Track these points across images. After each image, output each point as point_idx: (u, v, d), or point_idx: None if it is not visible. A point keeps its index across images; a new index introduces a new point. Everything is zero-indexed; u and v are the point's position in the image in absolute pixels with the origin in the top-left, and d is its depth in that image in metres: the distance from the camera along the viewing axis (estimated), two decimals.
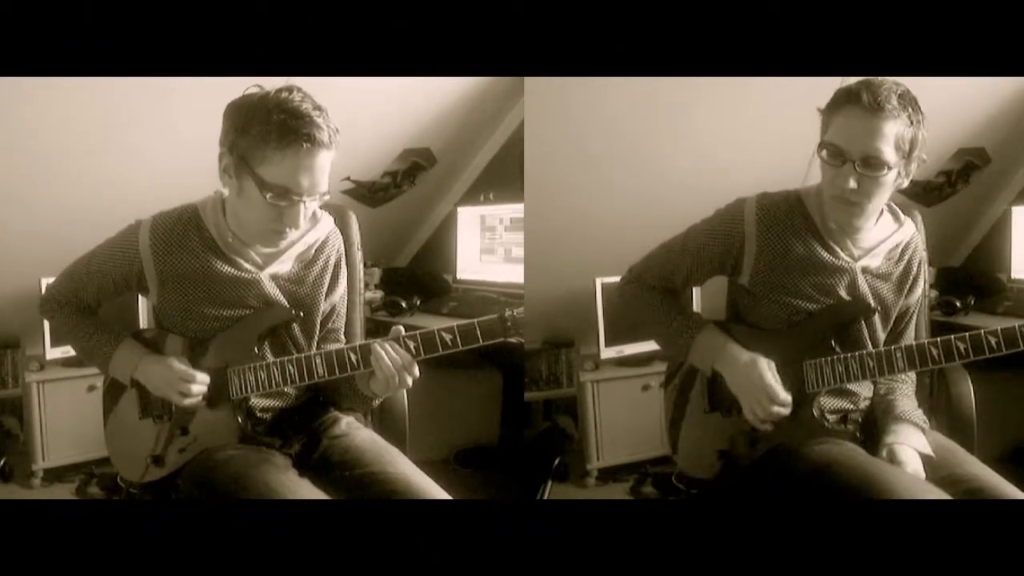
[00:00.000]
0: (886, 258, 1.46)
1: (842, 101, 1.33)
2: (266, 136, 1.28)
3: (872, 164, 1.31)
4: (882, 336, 1.47)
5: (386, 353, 1.34)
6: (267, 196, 1.31)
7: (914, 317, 1.53)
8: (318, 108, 1.30)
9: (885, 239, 1.45)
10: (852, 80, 1.37)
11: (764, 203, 1.44)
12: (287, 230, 1.37)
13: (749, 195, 1.46)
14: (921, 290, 1.52)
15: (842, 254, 1.42)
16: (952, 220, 3.00)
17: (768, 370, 1.40)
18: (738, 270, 1.46)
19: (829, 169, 1.35)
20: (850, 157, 1.32)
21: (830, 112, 1.35)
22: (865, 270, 1.44)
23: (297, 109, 1.28)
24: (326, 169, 1.32)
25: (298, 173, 1.30)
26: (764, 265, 1.43)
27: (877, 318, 1.45)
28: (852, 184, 1.32)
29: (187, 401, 1.39)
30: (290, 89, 1.31)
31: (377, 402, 1.49)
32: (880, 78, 1.33)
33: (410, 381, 1.36)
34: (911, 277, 1.49)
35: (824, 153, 1.34)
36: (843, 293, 1.42)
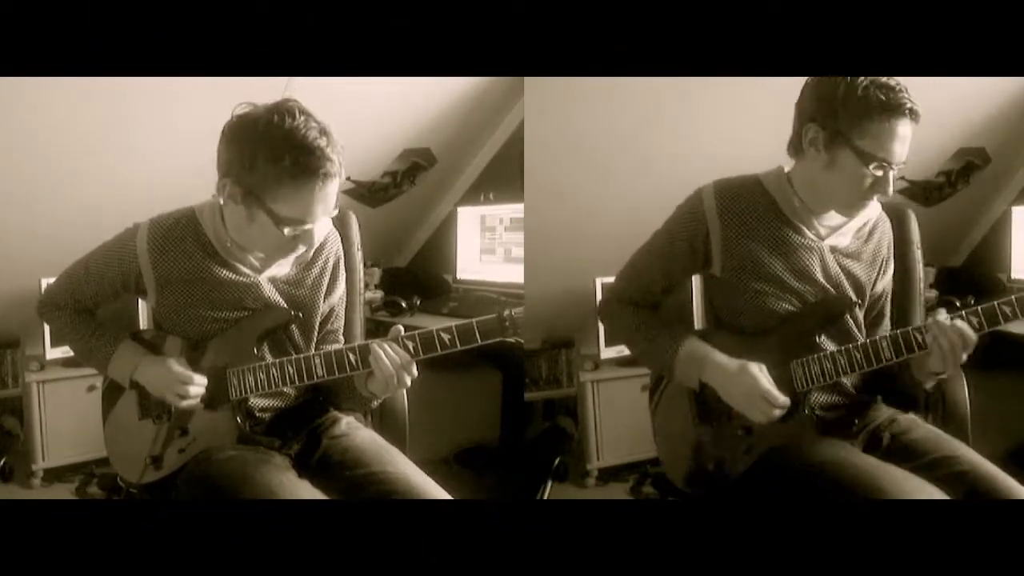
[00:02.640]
0: (855, 236, 1.46)
1: (880, 109, 1.30)
2: (279, 176, 1.27)
3: (901, 165, 1.34)
4: (860, 317, 1.47)
5: (385, 353, 1.34)
6: (284, 230, 1.31)
7: (888, 300, 1.53)
8: (323, 133, 1.27)
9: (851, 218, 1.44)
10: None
11: (722, 188, 1.44)
12: (301, 248, 1.38)
13: (705, 183, 1.46)
14: (891, 274, 1.52)
15: (808, 233, 1.42)
16: (952, 220, 3.01)
17: (761, 374, 1.39)
18: (708, 261, 1.45)
19: (865, 175, 1.33)
20: (893, 164, 1.33)
21: (858, 117, 1.31)
22: (834, 249, 1.44)
23: (306, 142, 1.25)
24: (336, 192, 1.32)
25: (312, 205, 1.30)
26: (733, 249, 1.42)
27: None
28: (892, 190, 1.34)
29: (184, 403, 1.39)
30: (291, 112, 1.27)
31: (376, 403, 1.49)
32: (890, 79, 1.32)
33: (408, 381, 1.36)
34: (882, 257, 1.49)
35: (867, 163, 1.32)
36: (816, 274, 1.42)
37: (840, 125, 1.33)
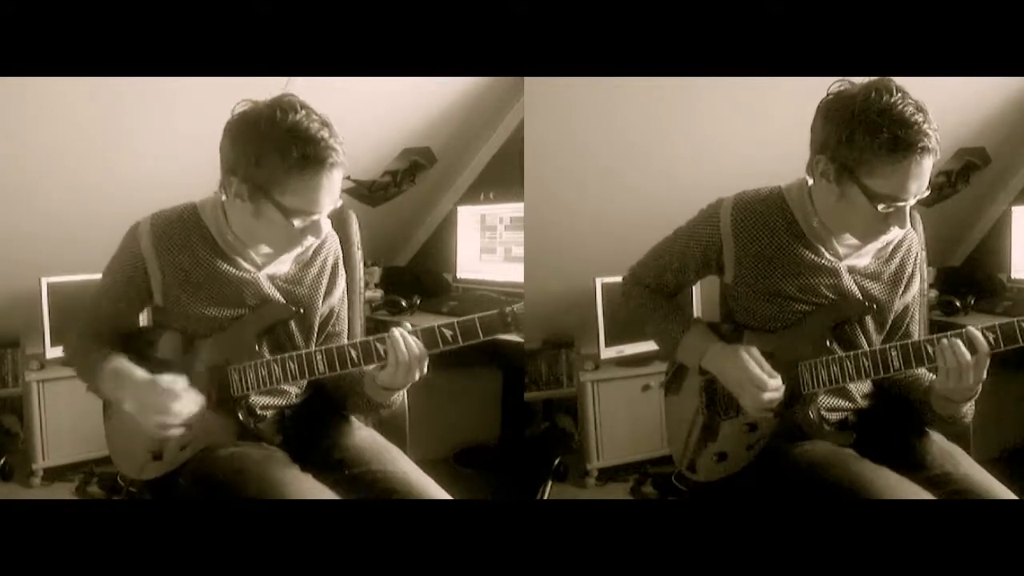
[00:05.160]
0: (875, 257, 1.43)
1: (890, 150, 1.22)
2: (287, 169, 1.28)
3: (922, 196, 1.29)
4: (876, 337, 1.45)
5: (404, 340, 1.33)
6: (294, 222, 1.32)
7: (915, 316, 1.51)
8: (325, 124, 1.29)
9: None
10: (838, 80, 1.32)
11: (741, 203, 1.42)
12: (310, 239, 1.39)
13: (727, 195, 1.45)
14: (918, 289, 1.50)
15: (826, 253, 1.40)
16: (952, 220, 3.01)
17: (751, 359, 1.38)
18: (721, 270, 1.46)
19: (875, 211, 1.28)
20: (908, 199, 1.28)
21: (868, 159, 1.24)
22: (851, 269, 1.41)
23: (309, 134, 1.27)
24: (340, 182, 1.34)
25: (320, 194, 1.31)
26: (745, 265, 1.42)
27: (870, 318, 1.43)
28: (908, 222, 1.31)
29: (164, 434, 1.34)
30: (293, 107, 1.29)
31: (385, 412, 1.48)
32: (905, 107, 1.23)
33: (418, 375, 1.35)
34: (905, 276, 1.45)
35: (876, 203, 1.27)
36: (828, 292, 1.40)
37: (848, 163, 1.27)
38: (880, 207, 1.28)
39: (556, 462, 2.66)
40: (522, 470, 2.62)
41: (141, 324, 1.58)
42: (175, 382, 1.34)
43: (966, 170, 2.82)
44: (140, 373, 1.37)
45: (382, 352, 1.35)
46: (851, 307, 1.41)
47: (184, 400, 1.33)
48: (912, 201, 1.29)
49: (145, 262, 1.41)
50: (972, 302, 2.57)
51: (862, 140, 1.24)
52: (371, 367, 1.38)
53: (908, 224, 1.32)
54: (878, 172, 1.26)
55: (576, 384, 2.71)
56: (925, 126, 1.23)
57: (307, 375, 1.40)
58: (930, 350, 1.31)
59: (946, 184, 2.82)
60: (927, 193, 1.30)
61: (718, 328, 1.50)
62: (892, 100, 1.24)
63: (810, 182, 1.41)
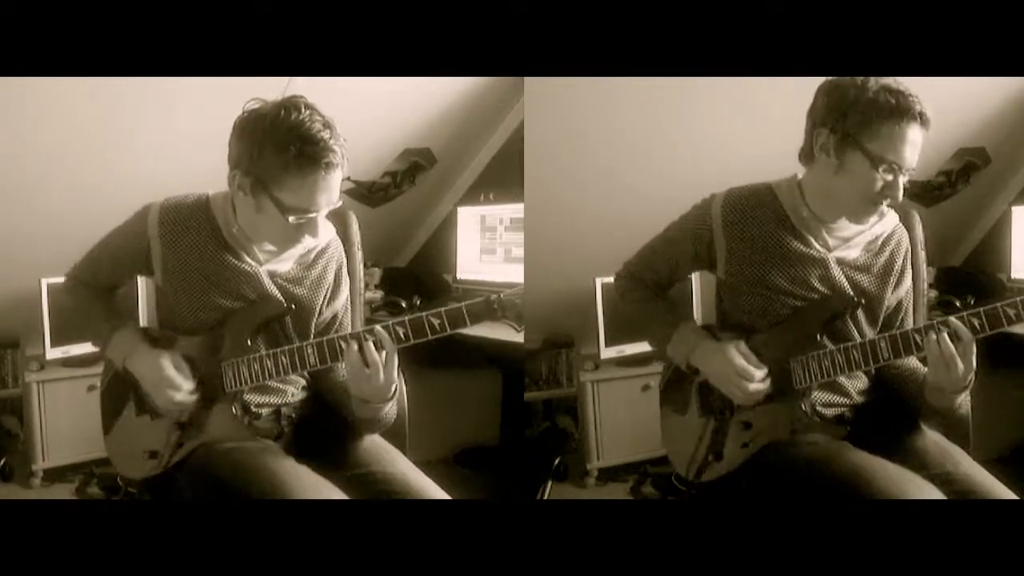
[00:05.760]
0: (864, 249, 1.45)
1: (889, 112, 1.31)
2: (285, 165, 1.30)
3: (913, 170, 1.34)
4: (868, 330, 1.46)
5: (356, 350, 1.33)
6: (290, 218, 1.34)
7: (909, 312, 1.52)
8: (327, 126, 1.31)
9: (864, 230, 1.44)
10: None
11: (731, 198, 1.47)
12: (306, 238, 1.40)
13: (719, 191, 1.48)
14: (910, 284, 1.51)
15: (815, 243, 1.43)
16: (952, 220, 3.01)
17: (736, 352, 1.41)
18: (713, 265, 1.49)
19: (875, 178, 1.34)
20: (903, 168, 1.33)
21: (868, 120, 1.32)
22: (840, 261, 1.44)
23: (310, 134, 1.29)
24: (339, 183, 1.35)
25: (316, 194, 1.33)
26: (736, 258, 1.45)
27: (861, 312, 1.44)
28: (902, 194, 1.34)
29: (170, 407, 1.40)
30: (297, 107, 1.31)
31: (379, 428, 1.46)
32: (899, 84, 1.33)
33: (382, 378, 1.33)
34: (895, 269, 1.47)
35: (877, 166, 1.33)
36: (817, 284, 1.42)
37: (850, 128, 1.33)
38: (881, 168, 1.33)
39: (556, 462, 2.66)
40: (522, 470, 2.62)
41: (142, 321, 1.60)
42: (179, 364, 1.42)
43: (966, 170, 2.82)
44: (150, 346, 1.44)
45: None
46: (841, 302, 1.43)
47: (187, 385, 1.40)
48: (905, 177, 1.34)
49: (149, 243, 1.43)
50: (972, 302, 2.57)
51: (864, 106, 1.32)
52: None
53: (900, 197, 1.35)
54: (879, 134, 1.32)
55: (576, 384, 2.71)
56: (917, 97, 1.33)
57: (299, 368, 1.40)
58: (918, 339, 1.34)
59: (946, 184, 2.82)
60: (915, 170, 1.35)
61: (710, 329, 1.51)
62: (888, 80, 1.34)
63: (799, 175, 1.44)
